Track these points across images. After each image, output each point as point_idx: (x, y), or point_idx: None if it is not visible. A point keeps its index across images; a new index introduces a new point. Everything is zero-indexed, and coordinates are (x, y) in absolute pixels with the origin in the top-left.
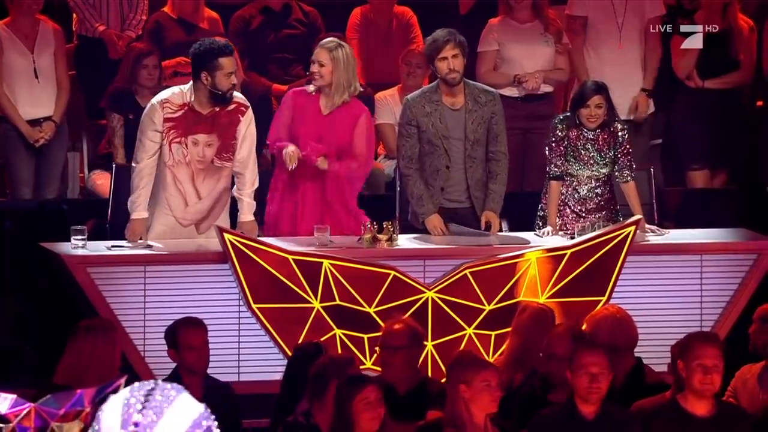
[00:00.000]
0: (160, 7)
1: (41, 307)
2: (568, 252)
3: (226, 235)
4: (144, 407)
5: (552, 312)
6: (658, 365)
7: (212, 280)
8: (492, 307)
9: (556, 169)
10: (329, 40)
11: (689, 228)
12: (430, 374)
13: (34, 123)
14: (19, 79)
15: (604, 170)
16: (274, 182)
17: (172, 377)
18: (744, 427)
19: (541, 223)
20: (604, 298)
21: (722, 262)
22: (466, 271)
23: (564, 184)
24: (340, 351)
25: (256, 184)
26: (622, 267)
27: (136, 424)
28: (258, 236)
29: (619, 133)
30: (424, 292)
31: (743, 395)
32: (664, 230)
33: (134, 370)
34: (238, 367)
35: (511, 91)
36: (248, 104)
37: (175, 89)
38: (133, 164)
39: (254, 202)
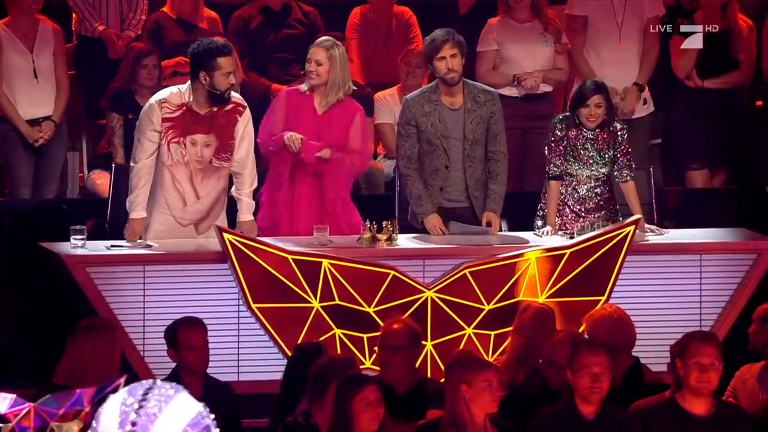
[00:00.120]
0: (160, 7)
1: (41, 307)
2: (568, 252)
3: (226, 235)
4: (141, 407)
5: (553, 312)
6: (657, 365)
7: (212, 280)
8: (491, 306)
9: (555, 169)
10: (325, 39)
11: (689, 228)
12: (429, 374)
13: (34, 123)
14: (18, 79)
15: (603, 170)
16: (268, 182)
17: (172, 377)
18: (743, 427)
19: (540, 223)
20: (604, 298)
21: (722, 261)
22: (466, 271)
23: (563, 184)
24: (339, 351)
25: (255, 184)
26: (621, 267)
27: (133, 424)
28: (257, 236)
29: (619, 133)
30: (424, 292)
31: (743, 395)
32: (664, 230)
33: (134, 370)
34: (238, 366)
35: (511, 91)
36: (245, 104)
37: (173, 89)
38: (131, 164)
39: (253, 202)
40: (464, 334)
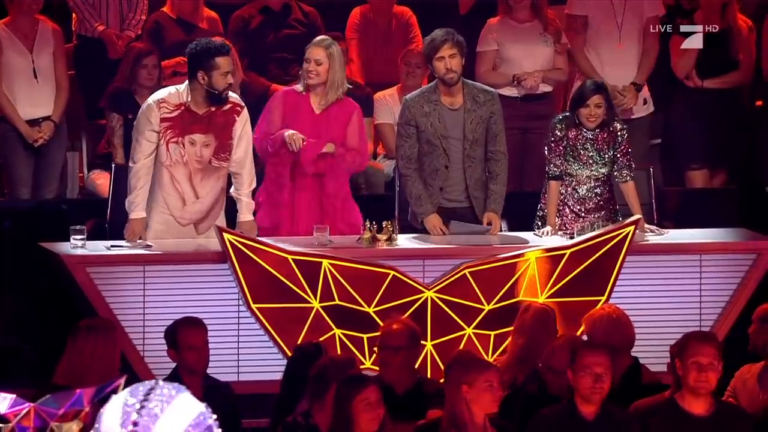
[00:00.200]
0: (160, 7)
1: (40, 307)
2: (568, 252)
3: (226, 235)
4: (143, 407)
5: (554, 312)
6: (657, 365)
7: (212, 280)
8: (491, 306)
9: (555, 169)
10: (323, 38)
11: (688, 228)
12: (429, 374)
13: (33, 123)
14: (18, 79)
15: (603, 170)
16: (266, 182)
17: (172, 377)
18: (742, 427)
19: (540, 223)
20: (604, 298)
21: (721, 262)
22: (466, 271)
23: (563, 184)
24: (339, 351)
25: (254, 184)
26: (621, 267)
27: (135, 424)
28: (257, 236)
29: (619, 133)
30: (424, 292)
31: (743, 395)
32: (664, 230)
33: (134, 370)
34: (238, 366)
35: (510, 91)
36: (243, 104)
37: (171, 89)
38: (129, 164)
39: (252, 202)
40: (464, 334)
